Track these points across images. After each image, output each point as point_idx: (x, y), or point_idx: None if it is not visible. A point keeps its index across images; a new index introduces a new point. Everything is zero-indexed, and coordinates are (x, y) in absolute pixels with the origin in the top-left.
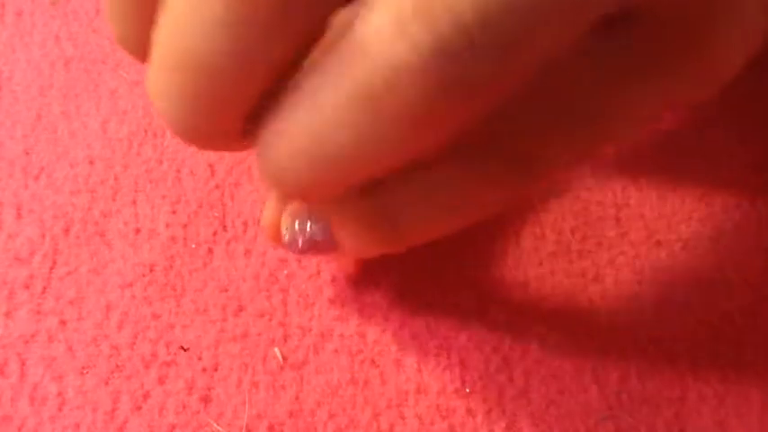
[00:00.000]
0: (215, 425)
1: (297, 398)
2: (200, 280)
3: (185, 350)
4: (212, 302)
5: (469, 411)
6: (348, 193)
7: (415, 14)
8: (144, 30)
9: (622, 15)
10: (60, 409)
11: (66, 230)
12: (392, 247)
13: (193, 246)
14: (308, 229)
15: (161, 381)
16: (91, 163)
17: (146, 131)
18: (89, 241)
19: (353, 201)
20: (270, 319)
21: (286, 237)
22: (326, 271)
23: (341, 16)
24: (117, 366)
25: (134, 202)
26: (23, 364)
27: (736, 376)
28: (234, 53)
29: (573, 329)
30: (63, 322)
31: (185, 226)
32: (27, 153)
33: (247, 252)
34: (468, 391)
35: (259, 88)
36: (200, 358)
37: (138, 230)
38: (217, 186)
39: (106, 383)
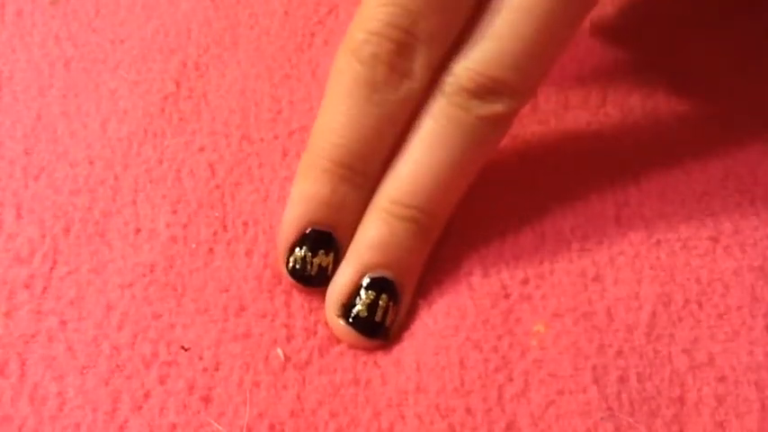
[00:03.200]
0: (215, 425)
1: (298, 397)
2: (200, 280)
3: (186, 350)
4: (213, 302)
5: (469, 411)
6: None
7: None
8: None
9: None
10: (60, 409)
11: (67, 230)
12: None
13: (193, 246)
14: None
15: (161, 381)
16: (91, 163)
17: (146, 131)
18: (89, 241)
19: None
20: (272, 320)
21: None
22: None
23: None
24: (117, 366)
25: (134, 202)
26: (23, 364)
27: (735, 376)
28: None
29: (573, 329)
30: (63, 322)
31: (185, 226)
32: (27, 153)
33: (248, 252)
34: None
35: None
36: (200, 358)
37: (138, 230)
38: (217, 186)
39: (106, 383)
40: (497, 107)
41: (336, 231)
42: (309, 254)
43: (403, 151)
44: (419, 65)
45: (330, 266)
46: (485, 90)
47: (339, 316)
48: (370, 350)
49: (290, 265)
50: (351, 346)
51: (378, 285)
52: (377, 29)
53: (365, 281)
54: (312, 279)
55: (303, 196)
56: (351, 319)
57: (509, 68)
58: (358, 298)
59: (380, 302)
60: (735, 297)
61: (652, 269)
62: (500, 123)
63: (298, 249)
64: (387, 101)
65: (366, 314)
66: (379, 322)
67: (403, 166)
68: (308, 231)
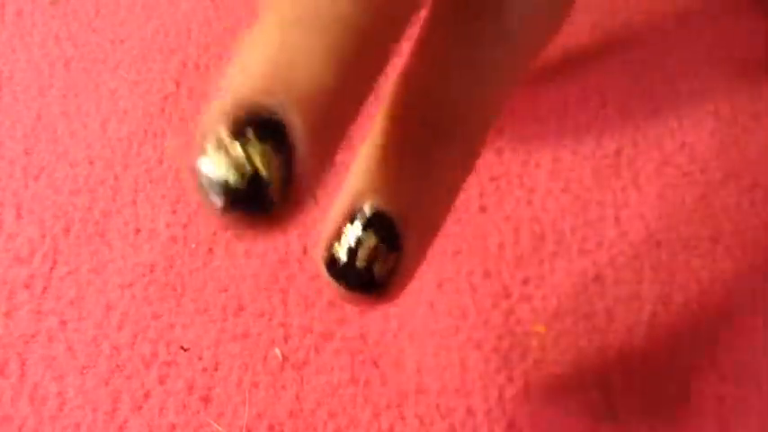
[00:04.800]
0: (215, 425)
1: (297, 398)
2: (200, 280)
3: (185, 350)
4: (212, 302)
5: (469, 411)
6: None
7: None
8: None
9: None
10: (60, 409)
11: (67, 230)
12: None
13: (193, 246)
14: None
15: (161, 381)
16: (91, 163)
17: (146, 131)
18: (89, 241)
19: None
20: (270, 320)
21: None
22: None
23: None
24: (117, 366)
25: (134, 202)
26: (23, 364)
27: (736, 376)
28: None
29: (573, 329)
30: (63, 322)
31: (185, 226)
32: (27, 153)
33: (247, 252)
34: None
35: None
36: (200, 358)
37: (138, 230)
38: None
39: (106, 383)
40: None
41: (288, 111)
42: (238, 147)
43: None
44: None
45: (273, 174)
46: None
47: (324, 261)
48: (372, 309)
49: (202, 168)
50: (347, 303)
51: (365, 220)
52: None
53: (358, 214)
54: (238, 194)
55: (238, 64)
56: (335, 268)
57: None
58: (342, 238)
59: (364, 242)
60: (735, 297)
61: (652, 269)
62: None
63: (215, 144)
64: None
65: (346, 259)
66: (361, 270)
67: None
68: (241, 115)
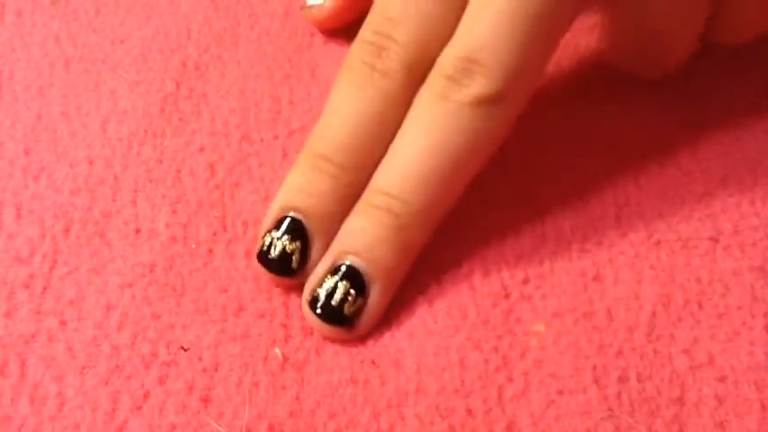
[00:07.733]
0: (215, 425)
1: (297, 398)
2: (200, 280)
3: (185, 350)
4: (212, 302)
5: (469, 412)
6: None
7: None
8: None
9: None
10: (60, 409)
11: (67, 230)
12: None
13: (193, 246)
14: None
15: (161, 381)
16: (91, 163)
17: (146, 131)
18: (89, 241)
19: None
20: (270, 320)
21: None
22: None
23: None
24: (117, 366)
25: (134, 202)
26: (23, 364)
27: (735, 376)
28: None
29: (573, 329)
30: (63, 322)
31: (185, 226)
32: (27, 153)
33: (248, 252)
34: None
35: None
36: (200, 358)
37: (138, 230)
38: (217, 186)
39: (106, 383)
40: (473, 88)
41: (307, 219)
42: (276, 237)
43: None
44: (397, 64)
45: (296, 255)
46: (460, 72)
47: (307, 302)
48: (343, 341)
49: (258, 248)
50: (323, 336)
51: (342, 272)
52: (363, 38)
53: (334, 269)
54: (273, 263)
55: (284, 186)
56: (316, 306)
57: (481, 47)
58: (324, 284)
59: (339, 288)
60: (735, 297)
61: (652, 269)
62: (482, 108)
63: (268, 234)
64: (366, 97)
65: (324, 300)
66: (336, 308)
67: (385, 157)
68: (281, 218)
